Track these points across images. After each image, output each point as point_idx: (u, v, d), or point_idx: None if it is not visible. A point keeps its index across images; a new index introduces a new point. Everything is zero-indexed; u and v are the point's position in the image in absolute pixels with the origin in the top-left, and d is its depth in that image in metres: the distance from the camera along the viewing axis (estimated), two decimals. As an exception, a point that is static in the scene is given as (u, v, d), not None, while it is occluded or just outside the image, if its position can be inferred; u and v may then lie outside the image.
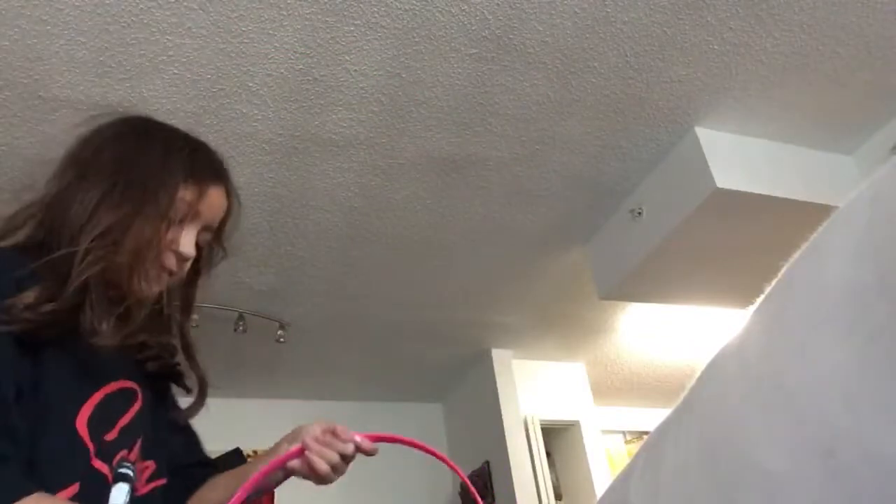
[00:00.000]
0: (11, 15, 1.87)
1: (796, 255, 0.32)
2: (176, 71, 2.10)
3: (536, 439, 3.87)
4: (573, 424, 4.11)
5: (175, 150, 0.92)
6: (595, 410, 4.22)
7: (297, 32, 2.04)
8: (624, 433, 4.86)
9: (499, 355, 4.06)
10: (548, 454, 3.99)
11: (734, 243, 2.79)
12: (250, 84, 2.18)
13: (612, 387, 4.59)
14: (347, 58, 2.13)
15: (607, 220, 3.04)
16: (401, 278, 3.27)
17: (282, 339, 3.44)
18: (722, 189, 2.48)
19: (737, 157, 2.60)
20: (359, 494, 3.53)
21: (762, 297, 0.33)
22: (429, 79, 2.25)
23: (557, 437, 4.17)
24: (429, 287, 3.36)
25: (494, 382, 3.96)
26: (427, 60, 2.18)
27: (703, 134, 2.59)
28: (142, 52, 2.02)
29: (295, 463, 0.90)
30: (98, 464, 0.79)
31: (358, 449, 0.90)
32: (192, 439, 1.05)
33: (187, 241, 0.91)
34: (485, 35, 2.12)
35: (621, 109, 2.48)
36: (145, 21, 1.94)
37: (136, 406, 0.88)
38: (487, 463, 3.90)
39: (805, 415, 0.27)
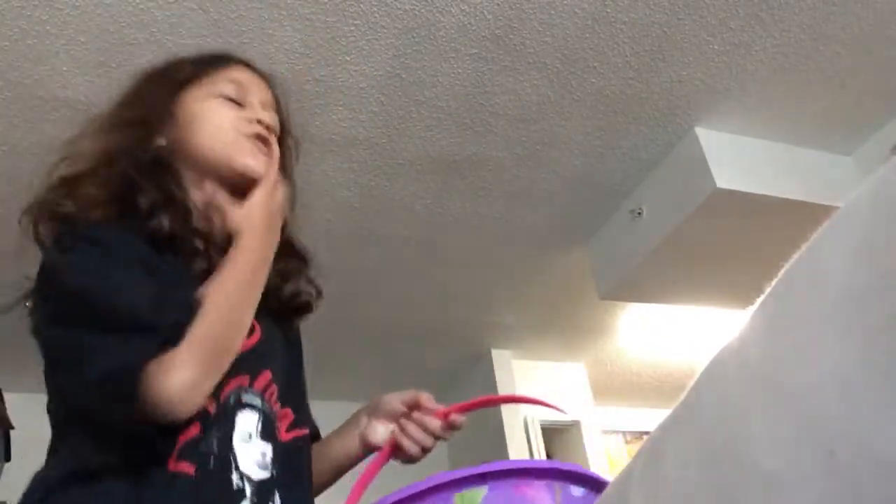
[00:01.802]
0: (11, 15, 1.87)
1: (796, 255, 0.32)
2: (176, 71, 2.10)
3: (536, 440, 3.87)
4: (573, 425, 4.10)
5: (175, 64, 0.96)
6: (595, 411, 4.21)
7: (297, 32, 2.04)
8: (624, 433, 4.85)
9: (499, 355, 4.05)
10: (548, 455, 3.99)
11: (734, 243, 2.79)
12: (250, 84, 2.18)
13: (612, 387, 4.59)
14: (347, 58, 2.13)
15: (607, 220, 3.04)
16: (400, 278, 3.27)
17: (282, 340, 3.44)
18: (722, 189, 2.48)
19: (737, 157, 2.60)
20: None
21: (762, 297, 0.33)
22: (429, 79, 2.25)
23: (557, 438, 4.16)
24: (429, 287, 3.36)
25: (494, 383, 3.95)
26: (427, 60, 2.18)
27: (703, 134, 2.59)
28: (142, 52, 2.02)
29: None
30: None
31: (451, 426, 0.89)
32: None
33: (251, 109, 0.94)
34: (485, 35, 2.12)
35: (621, 109, 2.48)
36: (145, 21, 1.94)
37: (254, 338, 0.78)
38: (487, 463, 3.90)
39: (805, 415, 0.27)
